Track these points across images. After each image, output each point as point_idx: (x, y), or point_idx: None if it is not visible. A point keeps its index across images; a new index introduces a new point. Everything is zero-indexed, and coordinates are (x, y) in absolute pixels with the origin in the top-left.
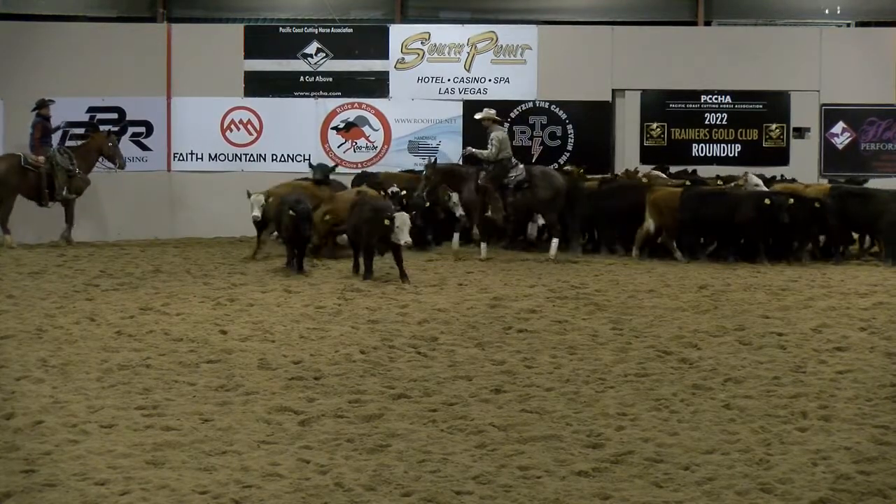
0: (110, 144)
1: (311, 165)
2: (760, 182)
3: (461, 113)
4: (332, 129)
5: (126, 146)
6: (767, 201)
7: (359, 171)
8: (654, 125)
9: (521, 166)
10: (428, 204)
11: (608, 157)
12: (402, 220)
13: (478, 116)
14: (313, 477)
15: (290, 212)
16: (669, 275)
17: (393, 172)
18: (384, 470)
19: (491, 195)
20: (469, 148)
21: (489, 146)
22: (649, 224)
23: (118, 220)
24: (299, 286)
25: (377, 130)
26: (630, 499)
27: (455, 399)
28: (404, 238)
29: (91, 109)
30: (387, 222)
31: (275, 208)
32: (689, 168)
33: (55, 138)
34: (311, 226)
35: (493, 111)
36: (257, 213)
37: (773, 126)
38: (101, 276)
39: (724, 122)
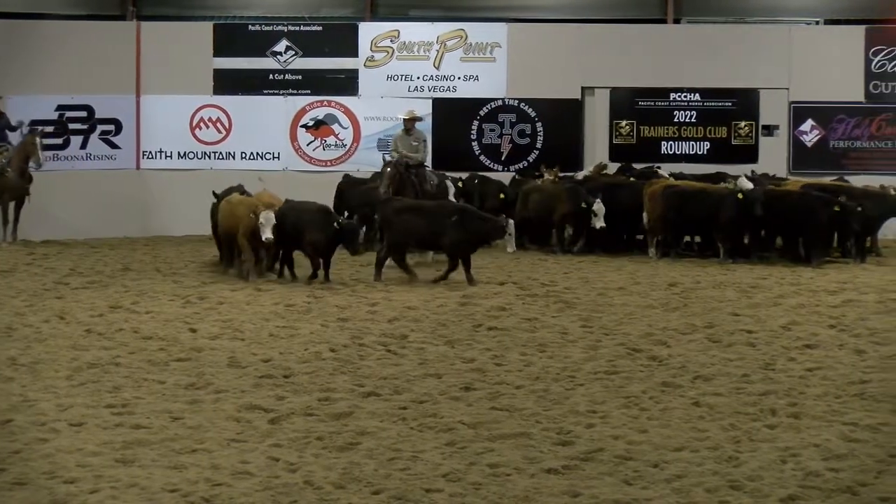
0: (32, 144)
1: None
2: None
3: (431, 111)
4: (302, 126)
5: (95, 144)
6: (741, 195)
7: (328, 168)
8: (624, 123)
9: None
10: None
11: (578, 154)
12: (512, 228)
13: (405, 116)
14: (283, 475)
15: (336, 225)
16: (639, 272)
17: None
18: (354, 468)
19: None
20: (404, 152)
21: (423, 147)
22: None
23: (88, 218)
24: (269, 284)
25: (347, 128)
26: (600, 496)
27: (425, 397)
28: (511, 247)
29: (60, 107)
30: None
31: (290, 220)
32: (656, 165)
33: (18, 136)
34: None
35: (416, 111)
36: (270, 234)
37: (743, 124)
38: (70, 274)
39: (693, 120)
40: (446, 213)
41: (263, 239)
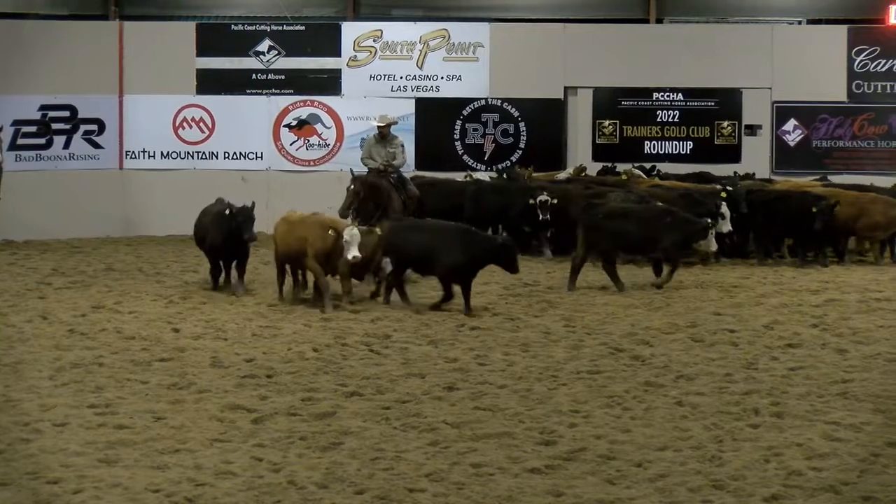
0: None
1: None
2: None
3: (413, 111)
4: (285, 126)
5: (78, 144)
6: (724, 194)
7: (311, 168)
8: (607, 123)
9: None
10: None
11: (560, 154)
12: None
13: (380, 123)
14: (266, 475)
15: (495, 243)
16: (621, 272)
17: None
18: (337, 468)
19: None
20: (382, 161)
21: (401, 152)
22: None
23: (70, 218)
24: (252, 285)
25: (330, 128)
26: (583, 496)
27: (408, 397)
28: (713, 246)
29: (43, 107)
30: None
31: (416, 241)
32: (647, 165)
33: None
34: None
35: (389, 115)
36: (358, 252)
37: (725, 123)
38: (53, 274)
39: (676, 120)
40: (657, 215)
41: (350, 258)
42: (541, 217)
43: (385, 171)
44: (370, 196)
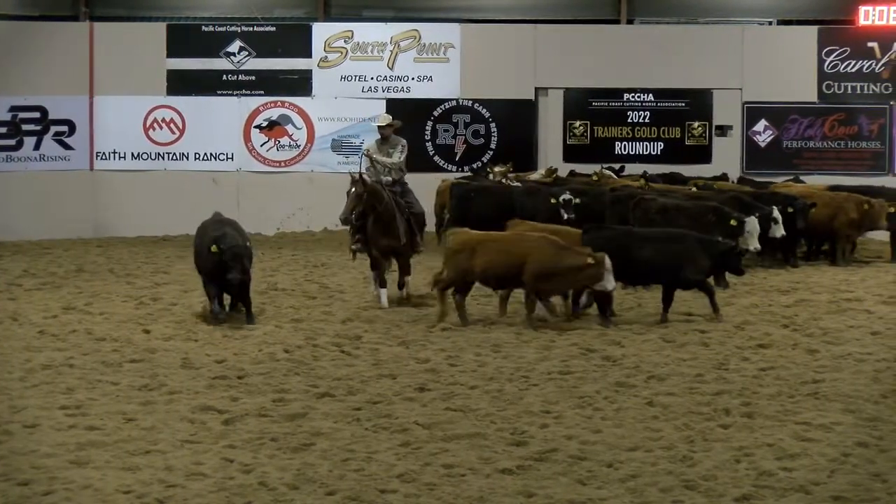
0: None
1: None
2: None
3: (385, 111)
4: (256, 127)
5: (48, 145)
6: (695, 189)
7: (282, 169)
8: (578, 123)
9: None
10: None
11: (532, 155)
12: (752, 225)
13: (380, 123)
14: (237, 476)
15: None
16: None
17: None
18: (308, 469)
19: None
20: (368, 150)
21: (397, 152)
22: None
23: (41, 219)
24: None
25: (300, 129)
26: (554, 496)
27: (379, 397)
28: (753, 244)
29: (13, 108)
30: None
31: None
32: (616, 165)
33: None
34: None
35: (391, 117)
36: (614, 283)
37: (696, 124)
38: (23, 275)
39: (646, 121)
40: (703, 212)
41: (609, 289)
42: (565, 216)
43: (366, 182)
44: (371, 201)
